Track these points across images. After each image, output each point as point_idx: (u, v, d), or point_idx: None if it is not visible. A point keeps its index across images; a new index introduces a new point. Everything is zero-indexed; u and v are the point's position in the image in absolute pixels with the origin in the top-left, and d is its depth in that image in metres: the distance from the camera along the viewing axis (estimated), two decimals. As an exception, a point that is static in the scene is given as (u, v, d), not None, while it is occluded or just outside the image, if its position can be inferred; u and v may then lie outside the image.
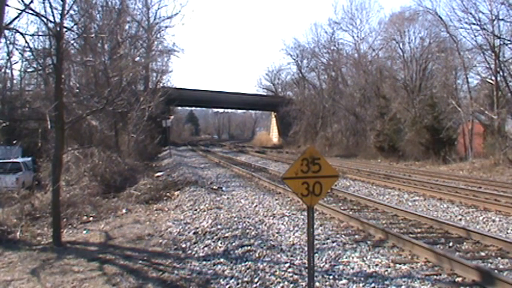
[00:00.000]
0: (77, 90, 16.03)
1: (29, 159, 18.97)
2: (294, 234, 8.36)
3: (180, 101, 45.16)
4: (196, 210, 11.15)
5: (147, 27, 34.79)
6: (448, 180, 17.61)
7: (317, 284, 5.60)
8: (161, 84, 37.99)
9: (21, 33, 9.23)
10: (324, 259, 6.79)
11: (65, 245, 8.32)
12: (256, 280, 5.88)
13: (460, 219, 9.91)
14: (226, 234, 8.29)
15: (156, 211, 11.67)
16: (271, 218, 10.02)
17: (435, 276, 5.95)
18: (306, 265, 5.21)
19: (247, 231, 8.55)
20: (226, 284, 5.83)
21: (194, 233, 8.63)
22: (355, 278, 5.93)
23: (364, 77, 42.87)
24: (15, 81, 30.28)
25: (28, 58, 19.38)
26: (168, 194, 14.21)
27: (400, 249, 7.26)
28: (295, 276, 5.98)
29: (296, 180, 4.59)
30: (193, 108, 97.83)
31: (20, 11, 8.40)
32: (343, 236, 8.30)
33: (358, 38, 48.29)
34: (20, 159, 18.18)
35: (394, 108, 34.91)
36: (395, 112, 34.37)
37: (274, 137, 68.59)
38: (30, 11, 8.43)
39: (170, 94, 33.42)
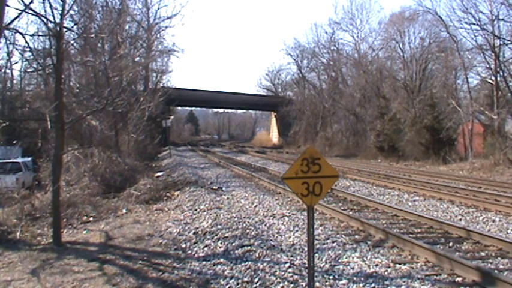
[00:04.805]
0: (77, 90, 16.05)
1: (29, 159, 18.99)
2: (294, 234, 8.35)
3: (180, 101, 45.22)
4: (196, 210, 11.15)
5: (147, 27, 34.77)
6: (448, 180, 17.61)
7: (317, 284, 5.60)
8: (161, 84, 38.06)
9: (21, 33, 9.20)
10: (324, 259, 6.79)
11: (65, 245, 8.32)
12: (256, 280, 5.88)
13: (460, 219, 9.91)
14: (226, 234, 8.29)
15: (156, 211, 11.67)
16: (271, 218, 10.02)
17: (435, 276, 5.95)
18: (306, 265, 5.21)
19: (247, 231, 8.55)
20: (226, 284, 5.83)
21: (194, 233, 8.63)
22: (355, 278, 5.92)
23: (364, 77, 42.86)
24: (15, 81, 30.39)
25: (28, 58, 19.40)
26: (168, 194, 14.20)
27: (400, 249, 7.26)
28: (295, 276, 5.98)
29: (296, 180, 4.59)
30: (193, 108, 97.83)
31: (20, 11, 8.40)
32: (343, 236, 8.29)
33: (358, 38, 48.33)
34: (20, 159, 18.19)
35: (394, 108, 34.92)
36: (395, 112, 34.39)
37: (274, 137, 68.60)
38: (30, 11, 8.43)
39: (170, 94, 33.45)
